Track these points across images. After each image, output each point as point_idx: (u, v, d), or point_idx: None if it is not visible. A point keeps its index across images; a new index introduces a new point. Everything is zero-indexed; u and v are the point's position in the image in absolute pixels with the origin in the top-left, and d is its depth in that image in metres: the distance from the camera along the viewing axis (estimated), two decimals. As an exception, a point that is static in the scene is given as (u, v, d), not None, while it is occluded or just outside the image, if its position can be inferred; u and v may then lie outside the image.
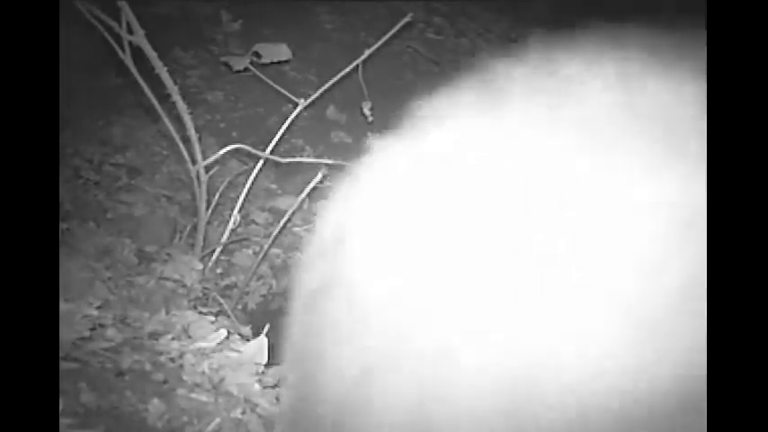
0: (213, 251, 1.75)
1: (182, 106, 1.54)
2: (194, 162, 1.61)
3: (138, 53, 1.48)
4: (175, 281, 1.57)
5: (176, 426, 1.06)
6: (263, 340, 1.37)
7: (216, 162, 1.63)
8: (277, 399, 1.24)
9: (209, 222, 1.74)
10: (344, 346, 0.75)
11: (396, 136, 0.82)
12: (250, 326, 1.56)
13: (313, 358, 0.79)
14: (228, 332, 1.38)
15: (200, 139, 1.60)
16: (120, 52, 1.50)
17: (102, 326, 1.22)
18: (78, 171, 1.86)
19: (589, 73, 0.80)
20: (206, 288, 1.63)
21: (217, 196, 1.76)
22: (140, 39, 1.45)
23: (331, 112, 2.35)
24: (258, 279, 1.85)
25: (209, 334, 1.36)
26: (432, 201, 0.77)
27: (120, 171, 1.94)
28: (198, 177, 1.63)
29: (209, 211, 1.71)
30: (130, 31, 1.46)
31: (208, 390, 1.17)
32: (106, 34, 1.48)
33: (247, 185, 1.76)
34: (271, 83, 1.83)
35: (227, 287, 1.79)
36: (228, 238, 1.75)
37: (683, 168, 0.71)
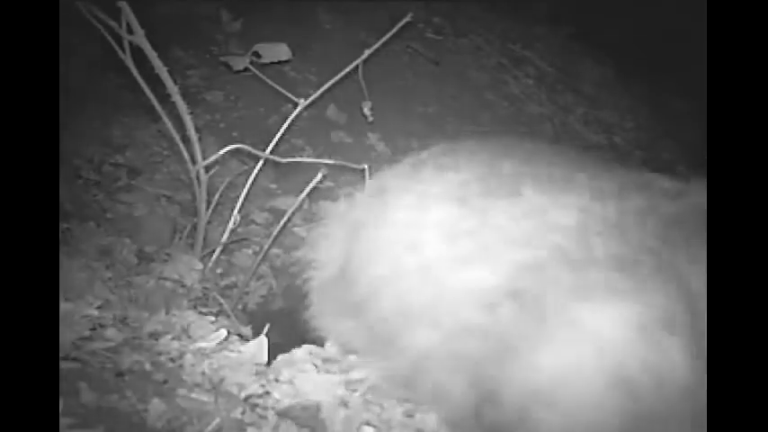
0: (213, 251, 1.74)
1: (182, 106, 1.53)
2: (194, 162, 1.61)
3: (138, 53, 1.48)
4: (175, 281, 1.57)
5: (176, 426, 1.06)
6: (263, 340, 1.37)
7: (216, 162, 1.63)
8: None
9: (209, 222, 1.74)
10: None
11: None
12: (250, 326, 1.56)
13: None
14: (228, 332, 1.37)
15: (200, 139, 1.60)
16: (120, 52, 1.50)
17: (102, 326, 1.22)
18: (78, 171, 1.86)
19: None
20: (206, 288, 1.63)
21: (217, 196, 1.76)
22: (140, 39, 1.45)
23: (331, 112, 2.34)
24: (258, 279, 1.85)
25: (209, 334, 1.35)
26: None
27: (120, 171, 1.94)
28: (198, 177, 1.63)
29: (209, 211, 1.71)
30: (130, 31, 1.46)
31: (208, 390, 1.17)
32: (106, 34, 1.48)
33: (247, 185, 1.76)
34: (271, 83, 1.82)
35: (227, 287, 1.79)
36: (228, 238, 1.75)
37: None
